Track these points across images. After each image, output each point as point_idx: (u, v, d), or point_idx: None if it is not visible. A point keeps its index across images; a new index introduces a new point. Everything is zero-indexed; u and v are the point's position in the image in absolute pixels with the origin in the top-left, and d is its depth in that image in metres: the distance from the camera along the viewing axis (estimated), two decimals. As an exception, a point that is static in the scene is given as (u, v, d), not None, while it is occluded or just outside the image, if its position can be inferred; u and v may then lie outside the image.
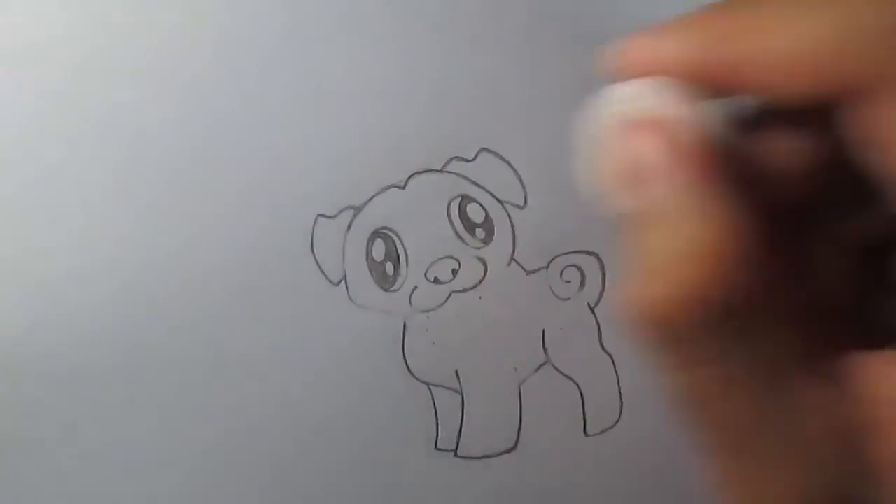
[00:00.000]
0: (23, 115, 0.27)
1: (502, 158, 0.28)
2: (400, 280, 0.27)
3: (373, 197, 0.27)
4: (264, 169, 0.27)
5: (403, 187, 0.27)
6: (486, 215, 0.27)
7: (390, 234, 0.27)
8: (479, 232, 0.27)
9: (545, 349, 0.28)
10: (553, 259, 0.28)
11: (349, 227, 0.27)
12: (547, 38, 0.28)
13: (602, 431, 0.28)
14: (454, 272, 0.27)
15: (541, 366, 0.28)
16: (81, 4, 0.27)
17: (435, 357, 0.27)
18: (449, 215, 0.27)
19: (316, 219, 0.27)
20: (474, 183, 0.27)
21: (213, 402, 0.27)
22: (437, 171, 0.27)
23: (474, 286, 0.27)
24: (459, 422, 0.27)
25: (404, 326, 0.27)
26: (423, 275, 0.27)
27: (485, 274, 0.27)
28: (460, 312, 0.27)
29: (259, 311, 0.27)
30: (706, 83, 0.15)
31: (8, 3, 0.27)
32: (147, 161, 0.27)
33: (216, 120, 0.27)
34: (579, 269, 0.28)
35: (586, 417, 0.28)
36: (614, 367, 0.28)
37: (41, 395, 0.27)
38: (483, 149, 0.28)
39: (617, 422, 0.28)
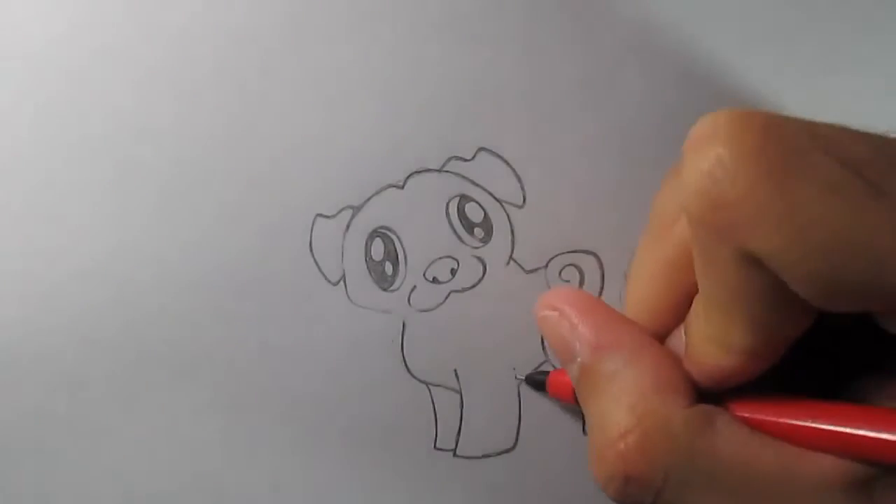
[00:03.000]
0: (23, 115, 0.27)
1: (501, 158, 0.28)
2: (399, 280, 0.27)
3: (371, 197, 0.27)
4: (263, 169, 0.27)
5: (402, 187, 0.27)
6: (485, 215, 0.27)
7: (389, 233, 0.27)
8: (478, 231, 0.27)
9: (544, 349, 0.28)
10: (552, 258, 0.28)
11: (348, 226, 0.27)
12: (546, 37, 0.28)
13: (601, 431, 0.28)
14: (453, 272, 0.27)
15: (540, 365, 0.28)
16: (81, 4, 0.27)
17: (434, 357, 0.27)
18: (448, 215, 0.27)
19: (315, 218, 0.27)
20: (473, 182, 0.27)
21: (212, 401, 0.27)
22: (436, 170, 0.27)
23: (473, 286, 0.27)
24: (458, 421, 0.27)
25: (403, 326, 0.27)
26: (421, 274, 0.27)
27: (483, 273, 0.27)
28: (459, 312, 0.27)
29: (258, 311, 0.27)
30: None
31: (8, 3, 0.27)
32: (146, 161, 0.27)
33: (215, 120, 0.27)
34: (578, 268, 0.28)
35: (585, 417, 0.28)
36: (613, 366, 0.27)
37: (41, 396, 0.27)
38: (481, 148, 0.28)
39: (616, 421, 0.28)
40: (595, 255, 0.28)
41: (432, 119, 0.28)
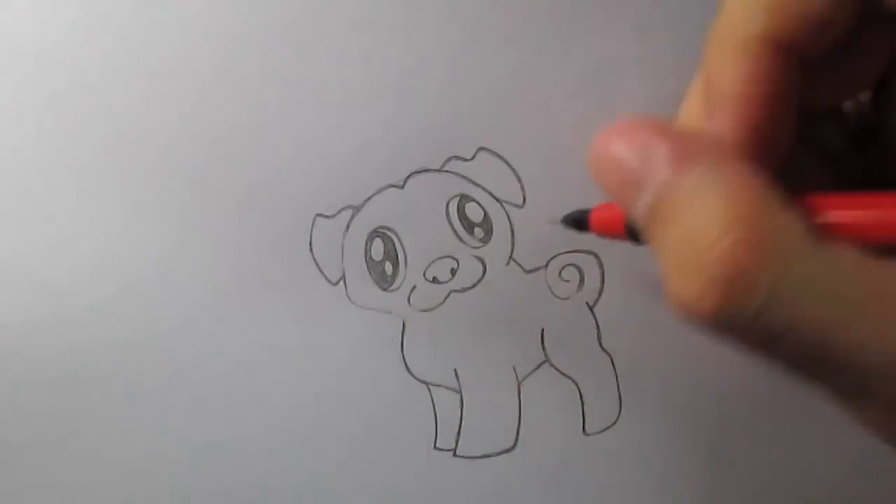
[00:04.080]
0: (23, 115, 0.27)
1: (501, 158, 0.28)
2: (399, 280, 0.27)
3: (371, 197, 0.27)
4: (263, 169, 0.27)
5: (402, 187, 0.27)
6: (485, 215, 0.27)
7: (389, 233, 0.27)
8: (478, 231, 0.27)
9: (544, 348, 0.27)
10: (552, 258, 0.28)
11: (348, 226, 0.27)
12: (546, 37, 0.28)
13: (601, 430, 0.28)
14: (453, 272, 0.27)
15: (540, 365, 0.28)
16: (82, 5, 0.27)
17: (434, 356, 0.27)
18: (448, 215, 0.27)
19: (315, 219, 0.27)
20: (473, 182, 0.27)
21: (211, 401, 0.27)
22: (436, 170, 0.27)
23: (473, 286, 0.27)
24: (458, 421, 0.27)
25: (403, 326, 0.27)
26: (421, 274, 0.27)
27: (483, 273, 0.27)
28: (459, 312, 0.27)
29: (258, 310, 0.27)
30: None
31: (8, 3, 0.27)
32: (147, 161, 0.27)
33: (216, 120, 0.27)
34: (578, 268, 0.28)
35: (585, 416, 0.28)
36: (613, 366, 0.28)
37: (40, 396, 0.27)
38: (481, 148, 0.27)
39: (616, 421, 0.28)
40: (595, 255, 0.28)
41: (432, 119, 0.28)
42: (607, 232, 0.22)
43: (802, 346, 0.17)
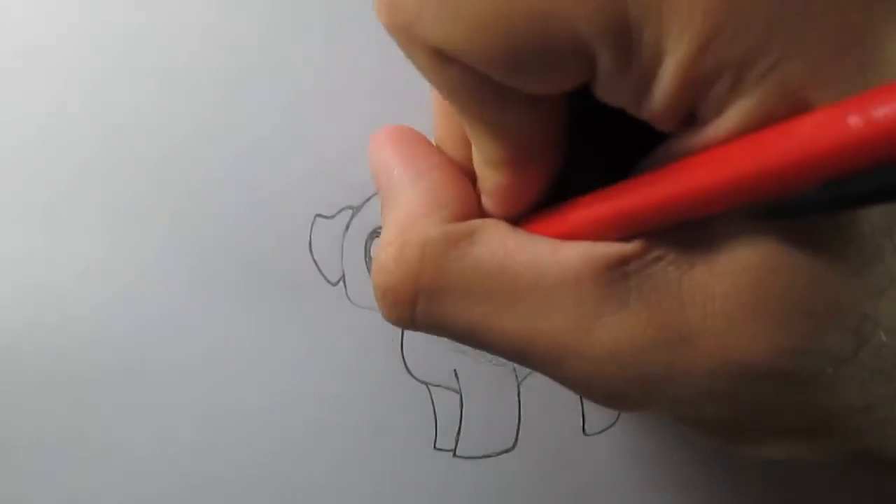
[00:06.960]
0: (22, 115, 0.27)
1: (501, 158, 0.28)
2: (398, 280, 0.27)
3: (371, 197, 0.27)
4: (262, 169, 0.27)
5: (402, 187, 0.27)
6: (485, 215, 0.27)
7: (389, 233, 0.27)
8: (478, 232, 0.27)
9: (544, 349, 0.27)
10: (552, 259, 0.28)
11: (347, 227, 0.27)
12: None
13: (601, 431, 0.28)
14: (453, 272, 0.27)
15: (540, 365, 0.28)
16: (81, 4, 0.27)
17: (433, 357, 0.27)
18: (447, 215, 0.27)
19: (314, 219, 0.27)
20: (473, 182, 0.27)
21: (211, 402, 0.27)
22: (436, 170, 0.27)
23: (473, 286, 0.27)
24: (458, 422, 0.27)
25: (403, 326, 0.27)
26: (421, 274, 0.27)
27: (483, 274, 0.27)
28: (459, 312, 0.27)
29: (257, 311, 0.27)
30: None
31: (8, 3, 0.27)
32: (145, 161, 0.27)
33: (215, 120, 0.27)
34: (578, 268, 0.28)
35: (585, 417, 0.28)
36: (613, 366, 0.28)
37: (40, 397, 0.27)
38: (481, 148, 0.27)
39: (615, 421, 0.28)
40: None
41: (432, 118, 0.27)
42: None
43: (465, 339, 0.18)
